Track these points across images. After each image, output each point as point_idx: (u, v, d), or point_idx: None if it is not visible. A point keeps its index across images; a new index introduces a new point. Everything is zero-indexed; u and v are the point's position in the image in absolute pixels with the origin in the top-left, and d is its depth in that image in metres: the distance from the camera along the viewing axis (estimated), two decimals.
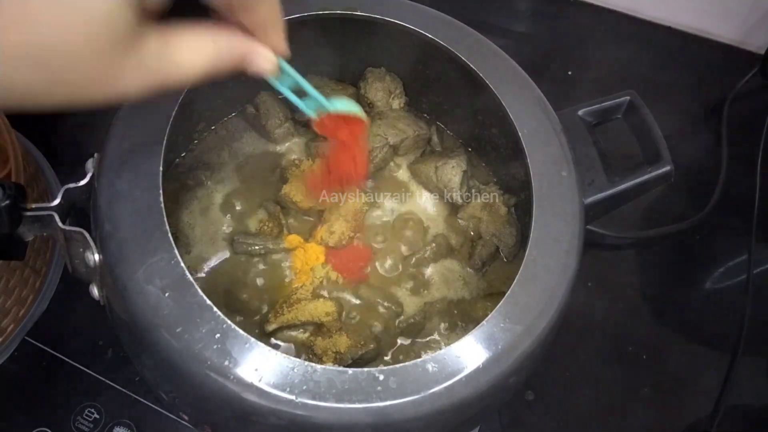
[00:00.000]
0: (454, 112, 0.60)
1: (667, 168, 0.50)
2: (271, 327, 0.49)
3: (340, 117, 0.43)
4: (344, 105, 0.43)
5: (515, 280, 0.42)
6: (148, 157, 0.42)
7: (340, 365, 0.47)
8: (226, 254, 0.53)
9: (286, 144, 0.59)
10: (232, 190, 0.56)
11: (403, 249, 0.55)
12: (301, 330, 0.51)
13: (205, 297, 0.38)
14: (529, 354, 0.40)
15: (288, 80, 0.40)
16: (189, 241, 0.53)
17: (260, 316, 0.51)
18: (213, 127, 0.59)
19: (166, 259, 0.38)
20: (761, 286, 0.67)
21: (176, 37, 0.31)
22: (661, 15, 0.86)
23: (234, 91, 0.58)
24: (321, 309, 0.50)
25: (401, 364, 0.37)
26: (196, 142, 0.58)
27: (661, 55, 0.85)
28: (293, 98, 0.41)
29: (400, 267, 0.54)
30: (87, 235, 0.40)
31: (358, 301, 0.52)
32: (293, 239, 0.53)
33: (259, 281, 0.52)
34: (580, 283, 0.45)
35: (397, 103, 0.60)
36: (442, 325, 0.52)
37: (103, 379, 0.55)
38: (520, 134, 0.47)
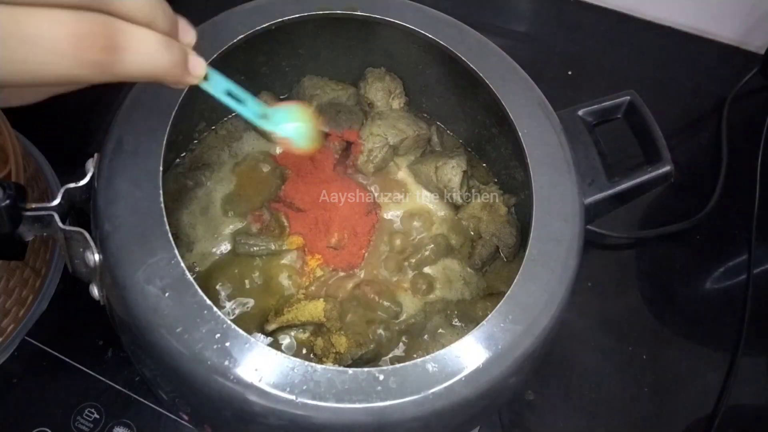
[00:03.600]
0: (454, 112, 0.60)
1: (667, 168, 0.50)
2: (271, 327, 0.49)
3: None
4: (286, 116, 0.39)
5: (515, 280, 0.42)
6: (148, 157, 0.42)
7: (340, 365, 0.47)
8: (227, 254, 0.53)
9: None
10: (232, 190, 0.56)
11: (405, 247, 0.55)
12: (301, 330, 0.51)
13: (205, 297, 0.38)
14: (529, 354, 0.40)
15: (219, 84, 0.35)
16: (189, 241, 0.53)
17: (260, 316, 0.51)
18: (213, 127, 0.59)
19: (166, 259, 0.38)
20: (761, 286, 0.67)
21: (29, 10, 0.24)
22: (661, 15, 0.86)
23: None
24: (321, 309, 0.50)
25: (401, 364, 0.37)
26: (196, 142, 0.58)
27: (661, 55, 0.85)
28: (233, 104, 0.36)
29: (400, 267, 0.54)
30: (87, 235, 0.40)
31: (357, 302, 0.52)
32: (295, 240, 0.53)
33: (260, 281, 0.52)
34: (580, 283, 0.45)
35: (397, 103, 0.59)
36: (443, 325, 0.52)
37: (103, 379, 0.55)
38: (520, 134, 0.47)
